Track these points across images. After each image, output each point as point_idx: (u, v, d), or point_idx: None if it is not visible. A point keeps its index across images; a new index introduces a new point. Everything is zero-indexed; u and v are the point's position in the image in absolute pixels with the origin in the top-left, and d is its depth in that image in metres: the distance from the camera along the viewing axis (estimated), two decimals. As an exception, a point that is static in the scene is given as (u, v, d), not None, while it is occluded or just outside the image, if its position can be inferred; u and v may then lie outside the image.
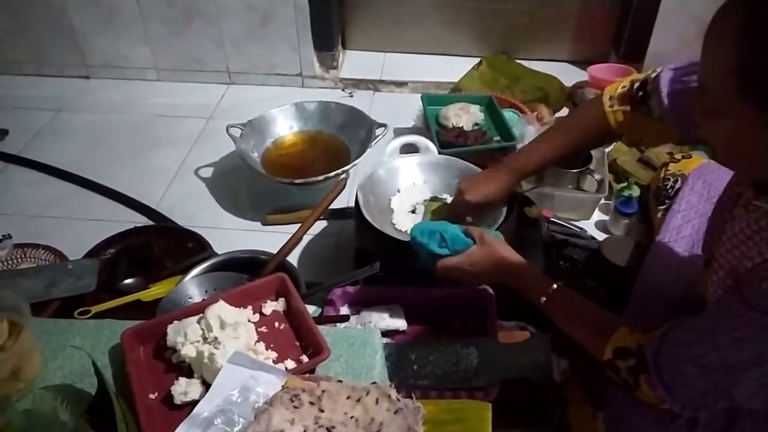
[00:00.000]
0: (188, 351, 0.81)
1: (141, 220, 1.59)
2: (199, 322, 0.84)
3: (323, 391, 0.72)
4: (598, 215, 1.56)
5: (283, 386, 0.74)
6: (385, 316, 1.15)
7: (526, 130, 1.65)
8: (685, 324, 0.75)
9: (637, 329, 0.82)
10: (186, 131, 1.92)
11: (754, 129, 0.64)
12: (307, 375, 0.80)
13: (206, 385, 0.78)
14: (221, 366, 0.76)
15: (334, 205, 1.34)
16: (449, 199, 1.29)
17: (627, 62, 1.96)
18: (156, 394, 0.80)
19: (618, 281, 1.21)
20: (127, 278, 1.33)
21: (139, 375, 0.80)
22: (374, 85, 2.11)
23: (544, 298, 0.93)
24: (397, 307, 1.18)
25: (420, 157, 1.41)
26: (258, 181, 1.59)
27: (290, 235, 1.24)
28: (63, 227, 1.56)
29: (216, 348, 0.80)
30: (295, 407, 0.70)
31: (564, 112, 1.89)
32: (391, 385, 0.73)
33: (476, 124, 1.72)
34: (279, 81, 2.11)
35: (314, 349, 0.83)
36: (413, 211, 1.30)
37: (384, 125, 1.62)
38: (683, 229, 1.11)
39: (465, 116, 1.71)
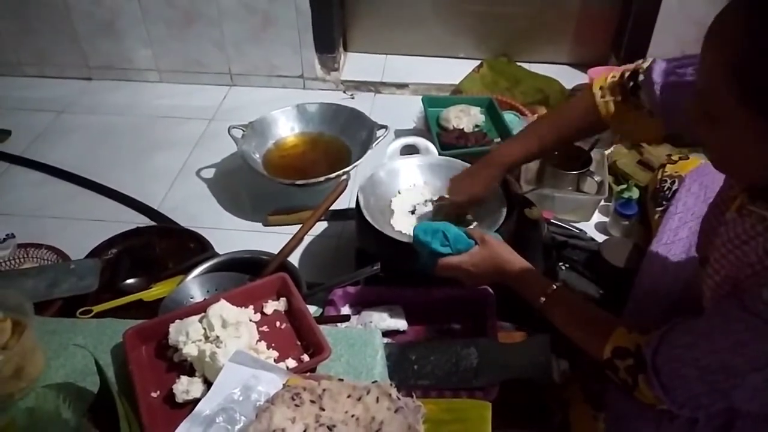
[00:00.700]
0: (190, 350, 0.81)
1: (143, 221, 1.59)
2: (200, 321, 0.85)
3: (324, 390, 0.72)
4: (598, 217, 1.56)
5: (284, 385, 0.75)
6: (386, 316, 1.16)
7: (527, 132, 1.65)
8: (684, 326, 0.76)
9: (635, 329, 0.82)
10: (188, 133, 1.92)
11: (749, 135, 0.63)
12: (308, 374, 0.80)
13: (208, 384, 0.79)
14: (223, 365, 0.77)
15: (335, 206, 1.34)
16: None
17: (627, 64, 1.96)
18: (158, 392, 0.80)
19: (617, 282, 1.21)
20: (129, 278, 1.33)
21: (141, 374, 0.81)
22: (375, 87, 2.12)
23: (543, 299, 0.94)
24: (397, 307, 1.18)
25: (420, 159, 1.41)
26: (259, 182, 1.60)
27: (291, 236, 1.24)
28: (65, 227, 1.56)
29: (218, 347, 0.80)
30: (296, 406, 0.71)
31: (564, 114, 1.89)
32: (391, 384, 0.74)
33: (477, 125, 1.73)
34: (280, 83, 2.12)
35: (315, 348, 0.84)
36: (413, 212, 1.31)
37: (385, 127, 1.63)
38: (680, 231, 1.11)
39: (465, 118, 1.72)
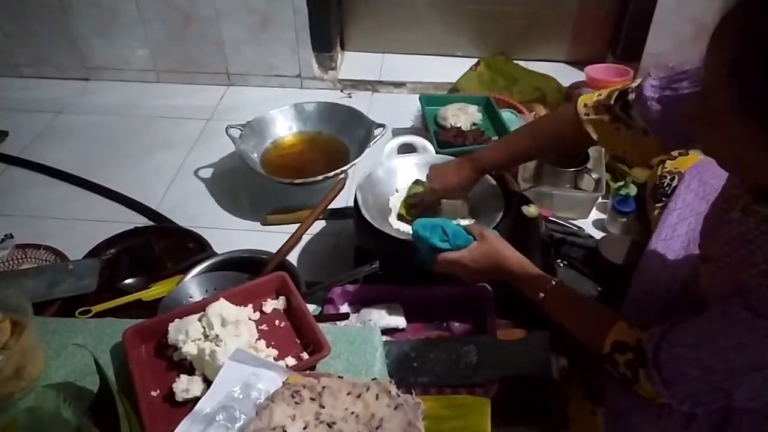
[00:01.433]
0: (190, 348, 0.81)
1: (141, 221, 1.59)
2: (200, 320, 0.85)
3: (324, 387, 0.73)
4: (595, 214, 1.57)
5: (284, 383, 0.75)
6: (385, 314, 1.16)
7: (524, 130, 1.66)
8: (686, 324, 0.75)
9: (635, 325, 0.82)
10: (186, 132, 1.92)
11: (748, 140, 0.63)
12: (308, 372, 0.81)
13: (208, 382, 0.79)
14: (222, 363, 0.77)
15: (334, 205, 1.34)
16: None
17: (624, 62, 1.97)
18: (158, 391, 0.81)
19: (615, 279, 1.22)
20: (127, 278, 1.33)
21: (141, 373, 0.81)
22: (373, 85, 2.12)
23: (542, 294, 0.94)
24: (396, 305, 1.18)
25: (418, 157, 1.42)
26: (258, 182, 1.60)
27: (290, 235, 1.24)
28: (64, 228, 1.56)
29: (217, 345, 0.80)
30: (296, 403, 0.71)
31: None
32: (391, 381, 0.74)
33: (474, 124, 1.73)
34: (278, 82, 2.12)
35: (315, 346, 0.84)
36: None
37: (382, 125, 1.63)
38: (679, 228, 1.11)
39: (463, 116, 1.72)
